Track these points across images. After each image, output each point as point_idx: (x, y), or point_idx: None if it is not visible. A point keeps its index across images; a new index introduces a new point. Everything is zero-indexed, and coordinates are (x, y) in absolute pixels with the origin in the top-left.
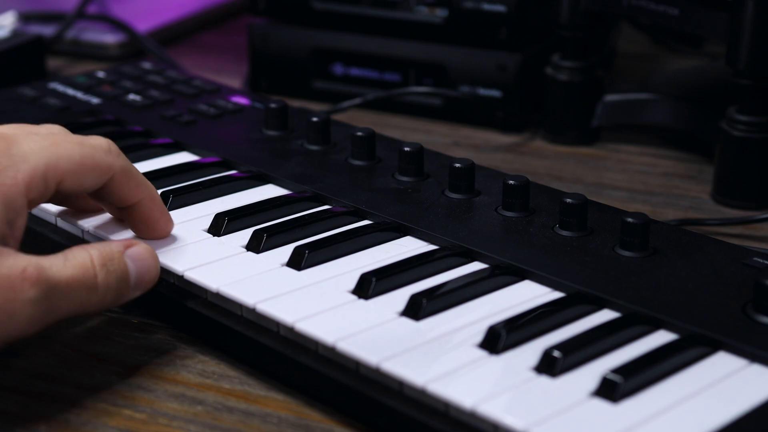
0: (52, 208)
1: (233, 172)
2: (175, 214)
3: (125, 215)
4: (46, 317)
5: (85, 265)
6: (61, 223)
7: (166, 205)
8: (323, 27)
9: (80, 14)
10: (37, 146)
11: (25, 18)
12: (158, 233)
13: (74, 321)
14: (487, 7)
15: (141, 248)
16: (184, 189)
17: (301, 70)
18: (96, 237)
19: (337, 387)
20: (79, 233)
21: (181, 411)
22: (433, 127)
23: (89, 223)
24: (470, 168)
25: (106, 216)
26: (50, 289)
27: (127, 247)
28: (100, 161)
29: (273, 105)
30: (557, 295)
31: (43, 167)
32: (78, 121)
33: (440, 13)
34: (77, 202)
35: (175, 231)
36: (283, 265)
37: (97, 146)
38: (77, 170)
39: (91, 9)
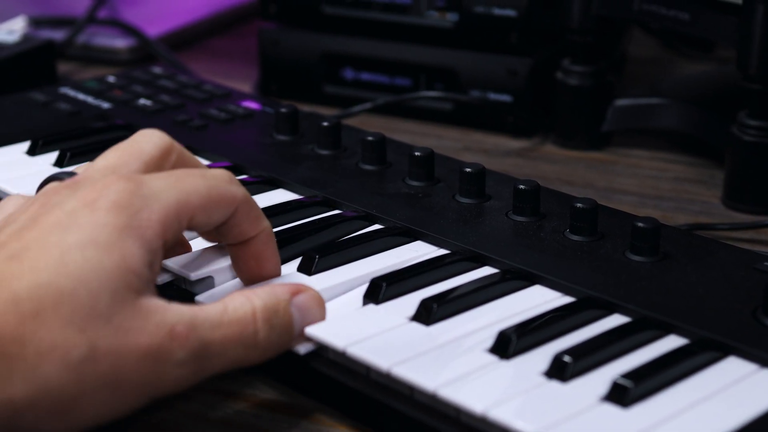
0: None
1: (244, 176)
2: None
3: (237, 252)
4: (196, 377)
5: (245, 320)
6: None
7: None
8: (334, 32)
9: (91, 19)
10: (164, 183)
11: (35, 23)
12: (268, 273)
13: None
14: (497, 11)
15: (308, 296)
16: None
17: (312, 74)
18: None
19: (347, 392)
20: None
21: (193, 415)
22: (444, 131)
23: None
24: (481, 172)
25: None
26: (202, 349)
27: (294, 294)
28: (226, 192)
29: (283, 110)
30: (567, 299)
31: (175, 205)
32: (88, 126)
33: (451, 17)
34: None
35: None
36: (293, 271)
37: (220, 177)
38: (206, 204)
39: (102, 14)
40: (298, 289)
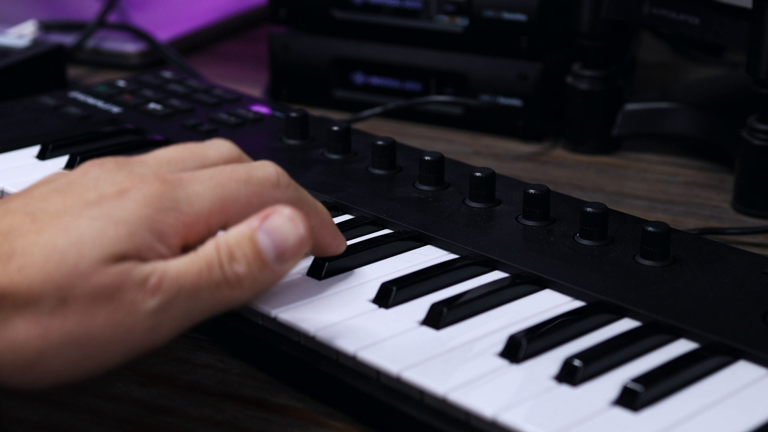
0: None
1: None
2: None
3: None
4: (173, 326)
5: (210, 257)
6: None
7: None
8: (344, 36)
9: (101, 23)
10: (202, 188)
11: (45, 27)
12: (330, 255)
13: None
14: (507, 16)
15: (276, 217)
16: None
17: (322, 79)
18: None
19: (358, 396)
20: None
21: (202, 420)
22: (454, 136)
23: None
24: (491, 177)
25: None
26: (173, 296)
27: (263, 219)
28: (268, 199)
29: (293, 114)
30: (578, 304)
31: (207, 213)
32: (98, 130)
33: (461, 22)
34: None
35: None
36: (304, 275)
37: (265, 181)
38: (242, 212)
39: (112, 18)
40: (267, 214)
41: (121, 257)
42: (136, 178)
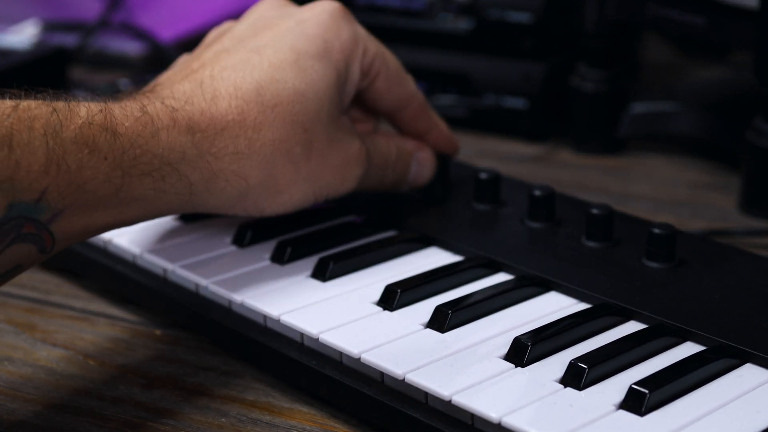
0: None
1: None
2: (201, 223)
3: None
4: (358, 187)
5: (387, 155)
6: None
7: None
8: None
9: (103, 23)
10: (372, 38)
11: (47, 27)
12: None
13: (97, 332)
14: (512, 16)
15: (426, 155)
16: None
17: None
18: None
19: (362, 398)
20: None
21: (205, 423)
22: (458, 137)
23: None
24: (495, 178)
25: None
26: (367, 170)
27: (417, 149)
28: (410, 81)
29: None
30: (583, 306)
31: (381, 52)
32: None
33: (465, 23)
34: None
35: (202, 238)
36: (307, 277)
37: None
38: (395, 77)
39: (114, 18)
40: (421, 147)
41: (338, 104)
42: (326, 4)
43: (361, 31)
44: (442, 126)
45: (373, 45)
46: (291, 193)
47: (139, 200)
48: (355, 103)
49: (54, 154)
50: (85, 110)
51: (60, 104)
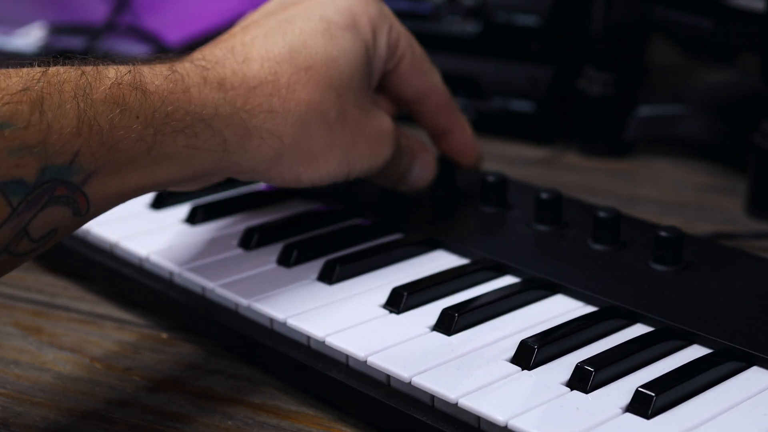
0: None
1: (262, 186)
2: (207, 227)
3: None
4: (382, 167)
5: (404, 147)
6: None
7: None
8: None
9: (110, 26)
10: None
11: (54, 30)
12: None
13: (104, 335)
14: (519, 19)
15: (429, 158)
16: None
17: None
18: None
19: (369, 401)
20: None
21: (212, 426)
22: None
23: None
24: (502, 181)
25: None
26: (395, 151)
27: (422, 150)
28: (434, 71)
29: None
30: (590, 309)
31: (406, 34)
32: None
33: (472, 26)
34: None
35: (208, 241)
36: (314, 279)
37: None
38: (419, 63)
39: (121, 21)
40: (425, 149)
41: (368, 75)
42: None
43: (387, 10)
44: (467, 130)
45: (398, 24)
46: (326, 159)
47: (173, 158)
48: (378, 90)
49: (85, 116)
50: (113, 71)
51: (88, 68)
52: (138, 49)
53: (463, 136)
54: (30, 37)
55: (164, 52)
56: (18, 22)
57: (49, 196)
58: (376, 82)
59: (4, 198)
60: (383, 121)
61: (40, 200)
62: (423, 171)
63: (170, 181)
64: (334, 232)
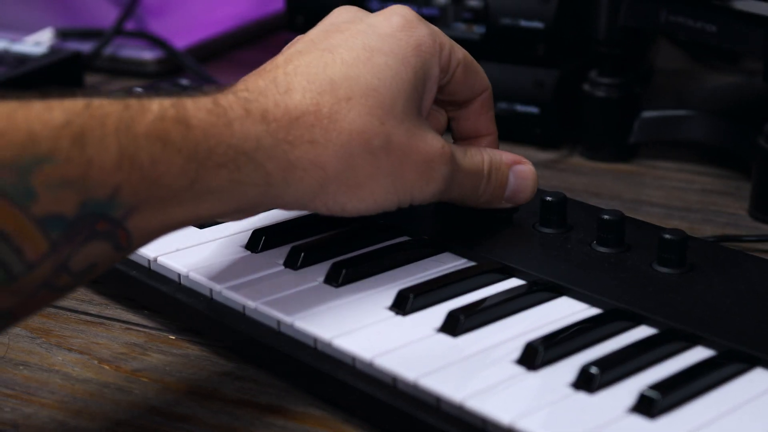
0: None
1: None
2: (215, 229)
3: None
4: (443, 194)
5: (479, 163)
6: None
7: None
8: None
9: (118, 31)
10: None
11: (62, 35)
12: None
13: (112, 337)
14: (524, 23)
15: (526, 168)
16: None
17: None
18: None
19: (375, 403)
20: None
21: (219, 427)
22: None
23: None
24: None
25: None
26: (455, 172)
27: (515, 162)
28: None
29: None
30: (594, 311)
31: (454, 47)
32: None
33: (478, 29)
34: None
35: (216, 244)
36: (321, 282)
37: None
38: (470, 66)
39: (129, 25)
40: (519, 160)
41: (414, 101)
42: (397, 8)
43: (436, 29)
44: (496, 137)
45: (446, 40)
46: (372, 188)
47: (215, 192)
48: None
49: (126, 150)
50: (157, 105)
51: (132, 101)
52: (147, 53)
53: (494, 142)
54: (40, 42)
55: (173, 57)
56: (28, 28)
57: (89, 231)
58: (429, 102)
59: (43, 233)
60: (433, 145)
61: (80, 235)
62: (523, 183)
63: (213, 215)
64: (340, 234)
